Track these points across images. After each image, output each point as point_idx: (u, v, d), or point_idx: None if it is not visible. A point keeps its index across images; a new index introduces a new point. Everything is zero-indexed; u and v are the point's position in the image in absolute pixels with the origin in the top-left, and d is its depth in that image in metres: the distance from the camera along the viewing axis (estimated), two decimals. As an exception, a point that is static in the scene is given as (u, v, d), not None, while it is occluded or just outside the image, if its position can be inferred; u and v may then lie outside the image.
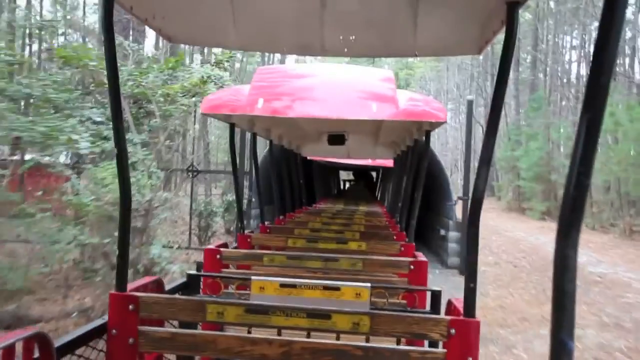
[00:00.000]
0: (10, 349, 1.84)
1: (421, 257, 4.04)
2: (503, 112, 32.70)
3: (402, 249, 4.67)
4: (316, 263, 3.89)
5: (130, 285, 2.51)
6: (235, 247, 4.59)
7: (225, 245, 4.21)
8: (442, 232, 12.89)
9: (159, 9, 2.59)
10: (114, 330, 2.36)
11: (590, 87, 1.39)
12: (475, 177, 2.29)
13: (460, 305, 2.39)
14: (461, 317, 2.27)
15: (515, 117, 36.07)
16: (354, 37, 2.93)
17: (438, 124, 4.42)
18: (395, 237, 5.52)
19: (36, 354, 1.99)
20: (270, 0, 2.71)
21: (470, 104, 13.15)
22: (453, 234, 12.26)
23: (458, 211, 12.38)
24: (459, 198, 11.87)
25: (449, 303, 2.63)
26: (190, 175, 12.75)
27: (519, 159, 30.34)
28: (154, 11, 2.58)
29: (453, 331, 2.21)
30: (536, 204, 27.79)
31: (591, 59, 1.42)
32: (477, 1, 2.44)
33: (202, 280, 3.49)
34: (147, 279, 2.78)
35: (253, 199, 11.31)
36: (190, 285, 3.24)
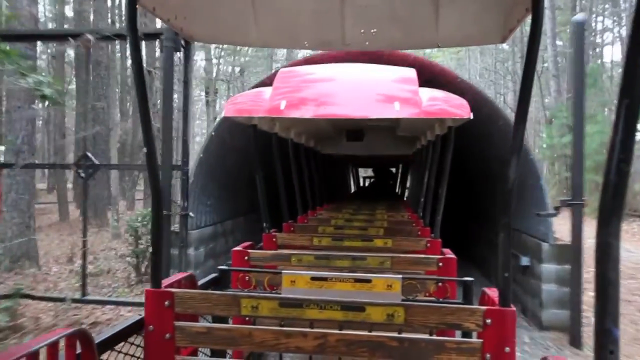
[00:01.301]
0: (54, 346, 1.88)
1: (449, 253, 4.03)
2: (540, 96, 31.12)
3: (429, 245, 4.65)
4: (344, 262, 3.90)
5: (164, 282, 2.55)
6: (260, 248, 4.62)
7: (252, 246, 4.24)
8: (525, 261, 7.72)
9: (180, 9, 2.62)
10: (150, 326, 2.40)
11: (628, 72, 1.38)
12: (506, 168, 2.27)
13: (495, 295, 2.37)
14: (497, 307, 2.26)
15: (557, 97, 32.27)
16: (375, 30, 2.93)
17: (462, 120, 4.38)
18: (420, 233, 5.50)
19: (78, 350, 2.04)
20: None
21: (579, 27, 6.78)
22: (549, 268, 7.13)
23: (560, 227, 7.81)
24: (565, 204, 6.63)
25: (483, 293, 2.62)
26: (81, 175, 7.09)
27: (568, 145, 27.38)
28: (176, 12, 2.61)
29: (489, 321, 2.20)
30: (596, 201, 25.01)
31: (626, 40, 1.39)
32: None
33: (231, 276, 3.53)
34: (180, 275, 2.82)
35: (191, 214, 6.74)
36: (221, 280, 3.28)
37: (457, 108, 3.94)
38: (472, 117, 3.98)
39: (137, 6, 2.27)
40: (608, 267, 1.44)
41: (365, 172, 28.44)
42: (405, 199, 14.90)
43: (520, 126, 2.23)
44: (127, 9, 2.29)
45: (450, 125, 4.65)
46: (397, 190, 17.99)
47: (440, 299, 3.11)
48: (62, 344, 1.96)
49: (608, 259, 1.44)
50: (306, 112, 4.08)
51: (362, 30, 2.92)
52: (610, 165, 1.41)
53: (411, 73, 4.05)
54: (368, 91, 3.89)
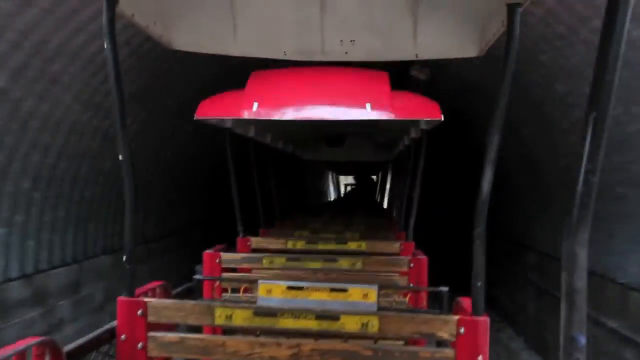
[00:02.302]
0: (22, 354, 1.85)
1: (421, 254, 4.08)
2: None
3: (403, 247, 4.70)
4: (316, 264, 3.93)
5: (137, 290, 2.52)
6: (235, 251, 4.61)
7: (225, 249, 4.23)
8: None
9: (160, 15, 2.61)
10: (123, 336, 2.37)
11: (595, 84, 1.41)
12: (481, 179, 2.28)
13: (468, 304, 2.40)
14: (469, 317, 2.28)
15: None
16: (354, 40, 2.96)
17: (434, 122, 4.45)
18: (395, 237, 5.55)
19: None
20: (271, 5, 2.74)
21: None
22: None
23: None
24: None
25: (457, 302, 2.64)
26: None
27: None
28: (155, 18, 2.60)
29: (462, 330, 2.22)
30: None
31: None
32: (476, 3, 2.46)
33: (203, 283, 3.51)
34: (154, 284, 2.79)
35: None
36: (194, 289, 3.26)
37: (429, 110, 4.02)
38: (442, 119, 4.06)
39: (115, 12, 2.25)
40: (575, 275, 1.47)
41: (346, 180, 28.54)
42: (384, 205, 14.98)
43: (493, 138, 2.25)
44: (106, 15, 2.26)
45: (424, 127, 4.71)
46: (376, 197, 18.10)
47: (412, 306, 3.14)
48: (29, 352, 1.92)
49: (575, 267, 1.47)
50: (278, 114, 4.08)
51: (341, 40, 2.95)
52: (578, 176, 1.45)
53: (383, 75, 4.11)
54: (340, 93, 3.93)
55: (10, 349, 1.84)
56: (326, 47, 2.96)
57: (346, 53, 3.01)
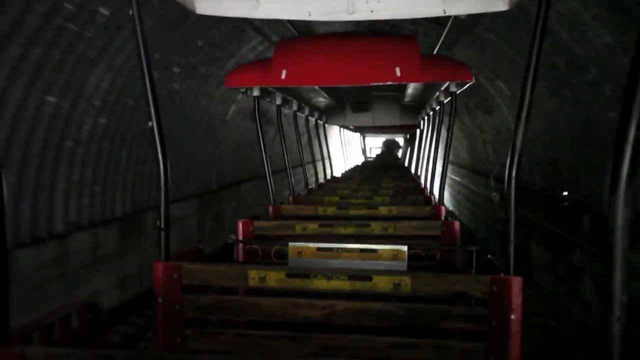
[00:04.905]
0: (67, 317, 1.93)
1: (452, 218, 4.05)
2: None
3: (433, 211, 4.68)
4: (348, 229, 3.92)
5: (172, 255, 2.57)
6: (267, 218, 4.66)
7: (257, 217, 4.28)
8: None
9: None
10: (160, 299, 2.43)
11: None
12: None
13: (500, 264, 2.38)
14: (502, 275, 2.27)
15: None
16: None
17: (465, 84, 4.38)
18: (425, 200, 5.53)
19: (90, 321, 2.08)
20: None
21: None
22: None
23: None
24: None
25: (489, 261, 2.63)
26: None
27: None
28: None
29: (495, 289, 2.21)
30: None
31: None
32: None
33: (237, 248, 3.56)
34: (187, 249, 2.85)
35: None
36: (228, 252, 3.32)
37: (460, 72, 3.93)
38: (474, 80, 3.97)
39: None
40: (617, 234, 1.45)
41: (371, 143, 28.30)
42: (411, 168, 14.92)
43: (526, 95, 2.17)
44: None
45: (454, 90, 4.63)
46: (404, 160, 17.96)
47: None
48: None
49: (618, 226, 1.44)
50: (307, 82, 4.05)
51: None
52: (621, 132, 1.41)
53: (412, 39, 4.01)
54: (369, 58, 3.87)
55: (57, 312, 1.92)
56: (351, 6, 2.88)
57: (372, 11, 2.93)
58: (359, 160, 21.79)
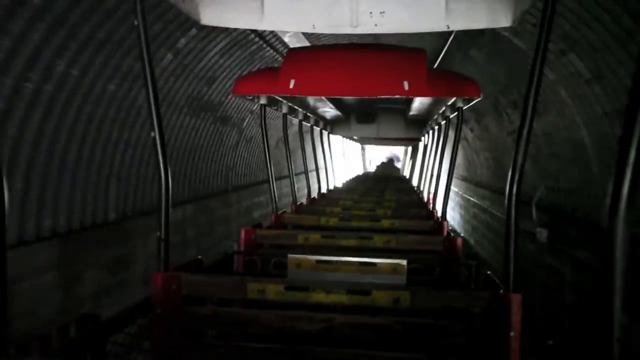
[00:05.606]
0: (65, 327, 1.92)
1: (454, 233, 4.03)
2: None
3: (436, 225, 4.67)
4: (350, 241, 3.91)
5: (172, 266, 2.57)
6: (269, 227, 4.65)
7: (259, 225, 4.27)
8: None
9: None
10: (158, 309, 2.43)
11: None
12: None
13: (499, 280, 2.37)
14: (502, 292, 2.25)
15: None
16: (384, 12, 2.89)
17: (471, 101, 4.37)
18: (427, 214, 5.50)
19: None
20: None
21: None
22: None
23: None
24: None
25: (488, 277, 2.61)
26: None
27: None
28: None
29: (494, 305, 2.19)
30: None
31: None
32: None
33: (237, 259, 3.55)
34: (187, 260, 2.85)
35: None
36: (227, 264, 3.31)
37: (467, 88, 3.93)
38: (481, 97, 3.96)
39: None
40: (616, 254, 1.45)
41: (371, 155, 28.26)
42: (413, 181, 14.90)
43: (527, 113, 2.15)
44: None
45: (460, 106, 4.63)
46: (405, 173, 17.94)
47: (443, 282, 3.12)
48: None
49: (616, 247, 1.44)
50: (315, 91, 4.05)
51: (370, 12, 2.89)
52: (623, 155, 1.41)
53: (421, 53, 4.02)
54: (377, 71, 3.88)
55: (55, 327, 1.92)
56: (355, 20, 2.90)
57: (376, 25, 2.95)
58: (358, 171, 21.79)
